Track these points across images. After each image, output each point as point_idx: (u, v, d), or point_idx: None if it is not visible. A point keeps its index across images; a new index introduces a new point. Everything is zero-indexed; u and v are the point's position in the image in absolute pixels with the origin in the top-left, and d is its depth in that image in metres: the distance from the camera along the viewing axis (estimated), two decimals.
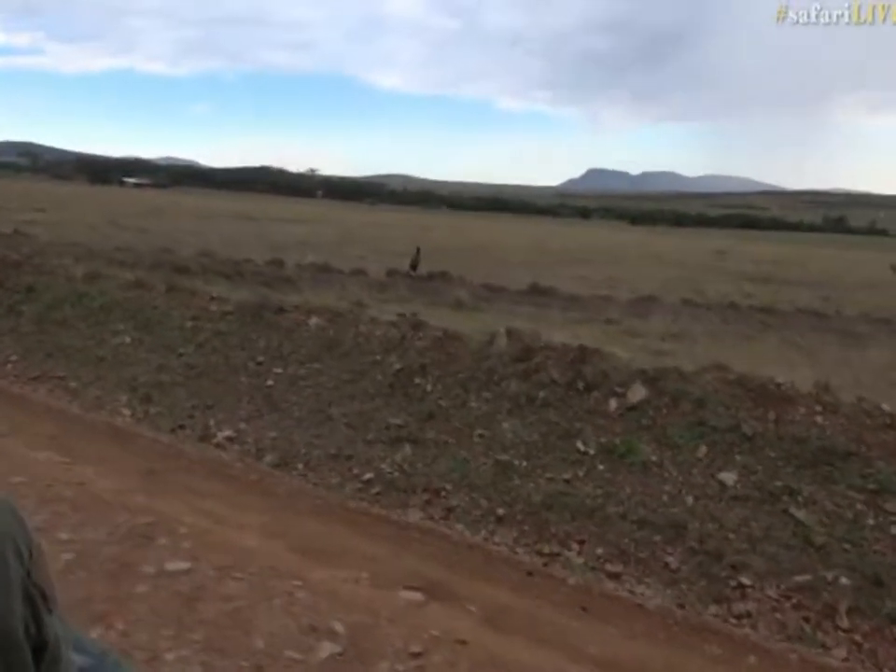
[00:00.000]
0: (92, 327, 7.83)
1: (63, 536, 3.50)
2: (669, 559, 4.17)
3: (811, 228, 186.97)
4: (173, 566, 3.39)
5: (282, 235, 29.71)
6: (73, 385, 6.84)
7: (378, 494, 4.98)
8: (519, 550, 4.32)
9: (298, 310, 7.35)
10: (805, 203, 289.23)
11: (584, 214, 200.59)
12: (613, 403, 5.37)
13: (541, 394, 5.59)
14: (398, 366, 6.22)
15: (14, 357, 7.49)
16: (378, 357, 6.39)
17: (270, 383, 6.39)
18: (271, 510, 4.36)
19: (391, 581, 3.55)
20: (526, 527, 4.54)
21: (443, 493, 4.89)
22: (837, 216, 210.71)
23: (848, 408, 5.08)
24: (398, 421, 5.65)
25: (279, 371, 6.54)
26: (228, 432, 5.86)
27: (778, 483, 4.54)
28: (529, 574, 3.90)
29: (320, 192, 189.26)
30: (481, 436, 5.38)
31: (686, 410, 5.18)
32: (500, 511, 4.67)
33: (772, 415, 4.94)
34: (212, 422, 6.03)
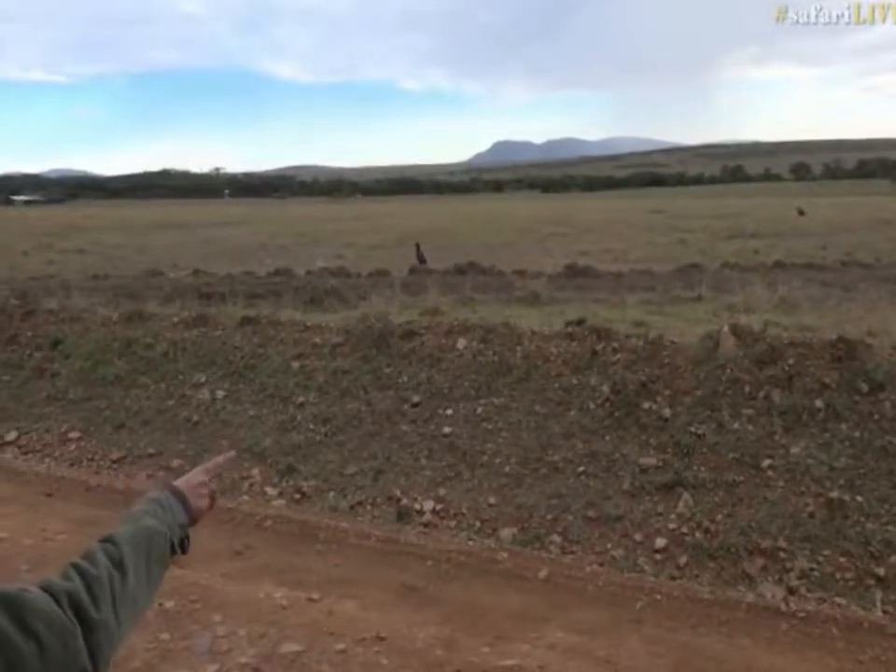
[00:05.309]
0: (162, 381, 6.27)
1: None
2: None
3: (712, 179, 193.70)
4: None
5: (233, 240, 27.56)
6: (176, 463, 5.33)
7: (687, 566, 3.84)
8: None
9: (431, 331, 6.03)
10: (701, 157, 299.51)
11: (497, 187, 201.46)
12: None
13: (818, 403, 4.55)
14: (606, 388, 5.04)
15: (74, 434, 5.87)
16: (573, 380, 5.20)
17: (447, 429, 5.10)
18: (621, 626, 3.16)
19: None
20: None
21: (781, 553, 3.80)
22: (734, 165, 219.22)
23: None
24: (651, 461, 4.50)
25: (448, 412, 5.25)
26: (429, 504, 4.56)
27: None
28: None
29: (227, 191, 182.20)
30: (772, 467, 4.30)
31: None
32: (877, 570, 3.62)
33: None
34: (397, 491, 4.71)
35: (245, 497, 4.83)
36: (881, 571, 3.61)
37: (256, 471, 5.11)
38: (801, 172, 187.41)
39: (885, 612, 3.40)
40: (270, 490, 4.91)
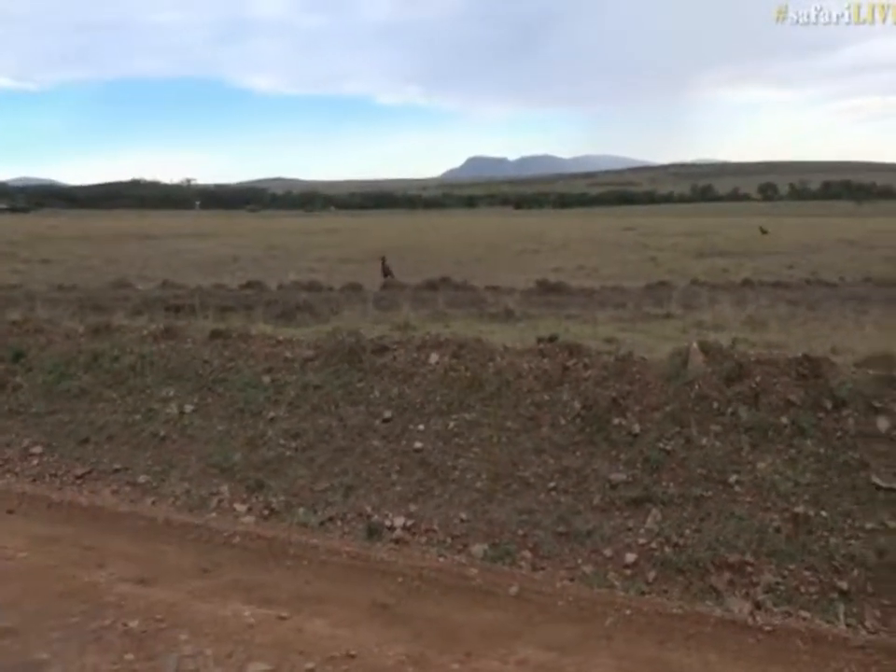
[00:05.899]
0: (129, 395, 6.17)
1: None
2: None
3: (682, 198, 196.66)
4: None
5: (204, 252, 27.32)
6: (142, 479, 5.24)
7: (656, 581, 3.87)
8: None
9: (403, 346, 6.02)
10: (672, 176, 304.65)
11: (470, 203, 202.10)
12: (883, 423, 4.49)
13: (784, 420, 4.63)
14: (577, 404, 5.08)
15: (37, 449, 5.74)
16: (545, 396, 5.23)
17: (418, 445, 5.09)
18: (591, 642, 3.17)
19: None
20: (886, 600, 3.59)
21: (748, 567, 3.85)
22: (704, 185, 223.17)
23: None
24: (621, 476, 4.54)
25: (420, 427, 5.24)
26: (400, 520, 4.54)
27: None
28: None
29: (198, 202, 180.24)
30: (739, 483, 4.36)
31: None
32: (840, 584, 3.69)
33: None
34: (367, 507, 4.68)
35: (213, 514, 4.75)
36: (844, 585, 3.68)
37: (224, 488, 5.04)
38: (768, 192, 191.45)
39: (848, 625, 3.46)
40: (239, 506, 4.85)
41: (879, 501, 4.08)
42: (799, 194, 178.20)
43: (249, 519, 4.69)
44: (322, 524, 4.57)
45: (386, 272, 16.16)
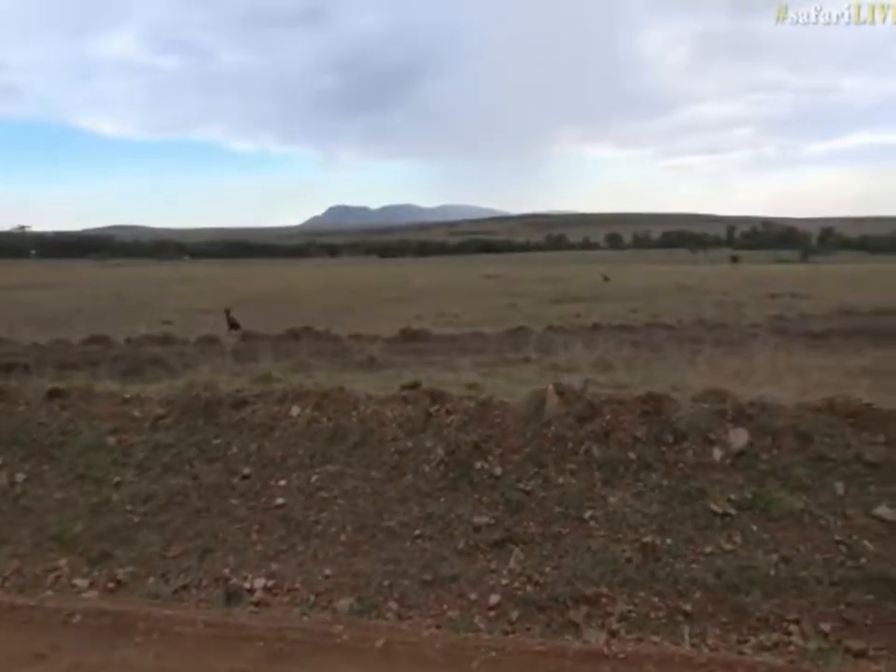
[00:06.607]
0: None
1: None
2: None
3: (538, 247, 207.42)
4: None
5: (41, 305, 25.27)
6: None
7: (519, 619, 3.95)
8: (746, 650, 3.63)
9: (263, 399, 5.85)
10: (528, 225, 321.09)
11: (333, 252, 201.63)
12: (717, 452, 4.90)
13: (631, 455, 4.94)
14: (441, 450, 5.15)
15: None
16: (408, 444, 5.25)
17: (279, 501, 4.93)
18: None
19: None
20: (724, 618, 3.87)
21: (603, 599, 4.02)
22: (558, 234, 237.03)
23: None
24: (484, 519, 4.62)
25: (281, 483, 5.09)
26: (261, 581, 4.34)
27: None
28: None
29: (33, 251, 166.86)
30: (593, 518, 4.57)
31: (794, 446, 4.88)
32: (685, 607, 3.94)
33: (881, 438, 4.84)
34: (225, 571, 4.44)
35: (50, 592, 4.32)
36: (688, 607, 3.92)
37: (63, 562, 4.60)
38: (614, 241, 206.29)
39: (693, 645, 3.69)
40: (79, 581, 4.43)
41: (716, 526, 4.42)
42: (642, 243, 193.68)
43: (92, 594, 4.30)
44: (175, 592, 4.28)
45: (232, 323, 15.64)
